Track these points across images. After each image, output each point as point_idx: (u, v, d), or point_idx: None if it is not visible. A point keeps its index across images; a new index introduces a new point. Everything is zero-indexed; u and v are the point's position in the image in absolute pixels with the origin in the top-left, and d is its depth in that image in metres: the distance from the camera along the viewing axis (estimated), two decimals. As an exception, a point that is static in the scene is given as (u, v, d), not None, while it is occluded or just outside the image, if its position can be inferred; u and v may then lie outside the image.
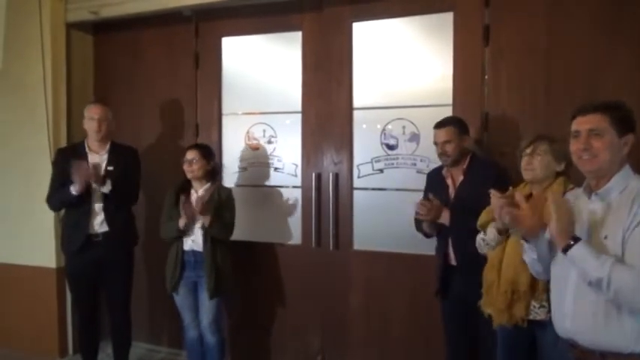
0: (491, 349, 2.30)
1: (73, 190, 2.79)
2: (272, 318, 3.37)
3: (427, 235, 2.62)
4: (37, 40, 3.45)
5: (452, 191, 2.53)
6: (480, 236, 2.23)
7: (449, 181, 2.56)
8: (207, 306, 2.86)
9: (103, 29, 3.73)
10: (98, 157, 2.96)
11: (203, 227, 2.79)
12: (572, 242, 1.54)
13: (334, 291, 3.17)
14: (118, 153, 3.01)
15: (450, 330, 2.63)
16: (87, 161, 2.88)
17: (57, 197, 2.95)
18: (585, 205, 1.67)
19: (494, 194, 1.99)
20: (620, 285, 1.45)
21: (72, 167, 2.75)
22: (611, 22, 2.53)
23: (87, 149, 2.99)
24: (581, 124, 1.63)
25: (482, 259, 2.30)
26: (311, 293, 3.24)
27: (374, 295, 3.07)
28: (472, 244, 2.32)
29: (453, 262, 2.50)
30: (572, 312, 1.61)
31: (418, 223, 2.61)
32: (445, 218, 2.44)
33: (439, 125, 2.52)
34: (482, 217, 2.23)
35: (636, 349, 1.50)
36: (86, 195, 2.85)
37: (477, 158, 2.55)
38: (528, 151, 2.12)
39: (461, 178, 2.51)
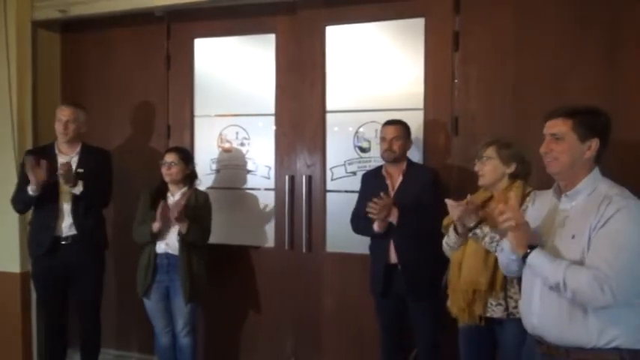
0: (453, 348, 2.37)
1: (30, 190, 2.71)
2: (244, 320, 3.35)
3: (374, 235, 2.64)
4: (1, 39, 3.34)
5: (391, 191, 2.60)
6: (444, 240, 2.30)
7: (388, 182, 2.64)
8: (182, 311, 2.83)
9: (72, 28, 3.64)
10: (68, 159, 2.88)
11: (180, 234, 2.76)
12: (528, 251, 1.61)
13: (307, 293, 3.17)
14: (88, 155, 2.94)
15: (386, 326, 2.72)
16: (56, 162, 2.80)
17: (18, 198, 2.87)
18: (554, 206, 1.73)
19: (450, 204, 2.09)
20: (575, 286, 1.53)
21: (25, 164, 2.65)
22: (578, 28, 2.62)
23: (56, 151, 2.92)
24: (547, 128, 1.71)
25: (423, 258, 2.46)
26: (284, 295, 3.23)
27: (347, 296, 3.08)
28: (414, 243, 2.49)
29: (393, 260, 2.57)
30: (539, 310, 1.68)
31: (359, 224, 2.68)
32: (394, 216, 2.50)
33: (391, 122, 2.65)
34: (445, 222, 2.30)
35: (598, 344, 1.56)
36: (53, 195, 2.78)
37: (413, 163, 2.71)
38: (478, 157, 2.23)
39: (400, 178, 2.62)
